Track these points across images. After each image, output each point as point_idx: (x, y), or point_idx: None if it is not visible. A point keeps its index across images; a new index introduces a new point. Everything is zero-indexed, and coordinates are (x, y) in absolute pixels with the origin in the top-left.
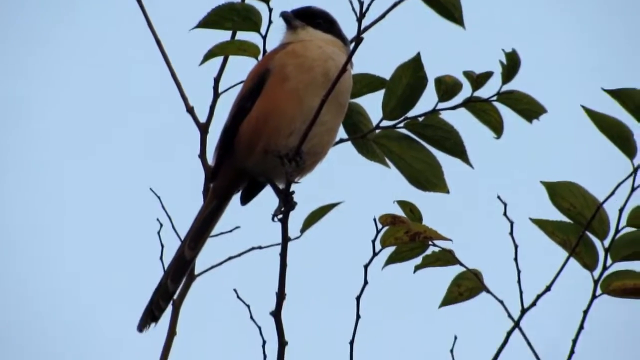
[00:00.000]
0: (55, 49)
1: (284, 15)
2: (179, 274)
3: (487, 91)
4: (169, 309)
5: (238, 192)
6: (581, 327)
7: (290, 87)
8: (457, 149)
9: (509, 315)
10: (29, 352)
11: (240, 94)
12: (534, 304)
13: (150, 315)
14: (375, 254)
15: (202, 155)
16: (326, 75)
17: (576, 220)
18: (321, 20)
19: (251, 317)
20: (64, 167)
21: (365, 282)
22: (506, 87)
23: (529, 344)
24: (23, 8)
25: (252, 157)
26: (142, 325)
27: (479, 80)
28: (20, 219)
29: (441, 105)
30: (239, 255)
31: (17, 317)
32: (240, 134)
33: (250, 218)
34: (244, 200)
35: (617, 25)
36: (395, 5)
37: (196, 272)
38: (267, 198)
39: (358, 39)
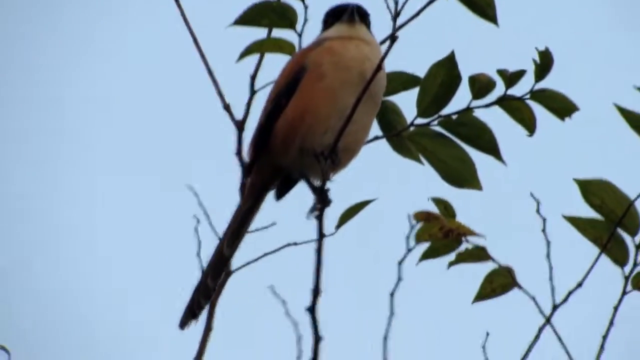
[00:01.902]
0: (92, 48)
1: (352, 7)
2: (218, 271)
3: (520, 89)
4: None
5: (273, 188)
6: (611, 323)
7: (326, 85)
8: (490, 147)
9: (541, 312)
10: (70, 349)
11: (274, 90)
12: (565, 300)
13: (191, 313)
14: (409, 251)
15: (239, 152)
16: (362, 75)
17: (608, 218)
18: (369, 20)
19: (287, 312)
20: (99, 166)
21: (399, 279)
22: (539, 86)
23: (560, 339)
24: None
25: (288, 154)
26: (184, 323)
27: (512, 78)
28: (54, 219)
29: (475, 103)
30: (275, 251)
31: (58, 318)
32: (276, 132)
33: (285, 214)
34: (279, 196)
35: None
36: (429, 3)
37: (232, 268)
38: (302, 194)
39: (393, 38)
